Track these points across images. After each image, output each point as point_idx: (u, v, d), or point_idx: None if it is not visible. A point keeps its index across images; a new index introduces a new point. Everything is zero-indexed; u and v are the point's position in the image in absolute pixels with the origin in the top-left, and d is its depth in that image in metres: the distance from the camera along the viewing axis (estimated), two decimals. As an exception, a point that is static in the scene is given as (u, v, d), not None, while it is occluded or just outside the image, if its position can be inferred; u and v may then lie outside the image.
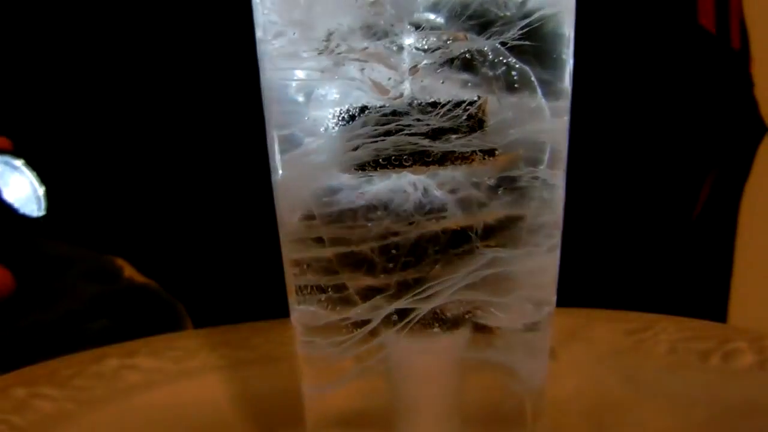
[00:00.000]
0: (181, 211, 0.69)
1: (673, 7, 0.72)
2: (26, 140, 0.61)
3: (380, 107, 0.32)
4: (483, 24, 0.33)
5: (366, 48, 0.33)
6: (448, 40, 0.33)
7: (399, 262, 0.34)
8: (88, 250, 0.60)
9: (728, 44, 0.75)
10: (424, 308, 0.34)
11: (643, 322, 0.49)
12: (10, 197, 0.54)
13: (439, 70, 0.33)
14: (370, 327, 0.34)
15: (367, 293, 0.34)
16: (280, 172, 0.36)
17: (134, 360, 0.48)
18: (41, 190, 0.55)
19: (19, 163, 0.55)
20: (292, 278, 0.36)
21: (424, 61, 0.33)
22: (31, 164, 0.56)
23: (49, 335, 0.55)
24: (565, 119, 0.35)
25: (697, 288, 0.76)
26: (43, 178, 0.56)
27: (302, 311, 0.36)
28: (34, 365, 0.47)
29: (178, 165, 0.69)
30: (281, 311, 0.37)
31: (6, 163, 0.55)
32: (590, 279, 0.63)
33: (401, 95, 0.32)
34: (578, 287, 0.47)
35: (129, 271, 0.59)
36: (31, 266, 0.56)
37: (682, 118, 0.71)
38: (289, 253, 0.36)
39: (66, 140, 0.70)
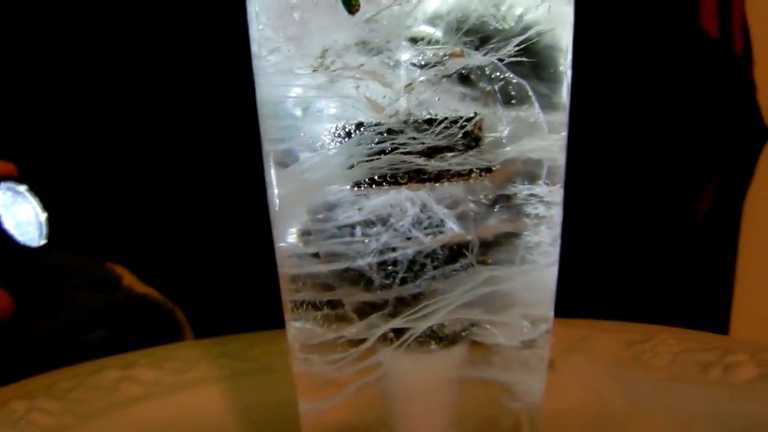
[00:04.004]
0: (184, 221, 0.69)
1: (676, 11, 0.72)
2: (25, 154, 0.61)
3: (375, 125, 0.32)
4: (480, 39, 0.33)
5: (362, 65, 0.32)
6: (445, 56, 0.32)
7: (396, 277, 0.33)
8: (87, 258, 0.60)
9: (731, 48, 0.74)
10: (421, 327, 0.33)
11: (644, 333, 0.49)
12: (10, 225, 0.54)
13: (435, 86, 0.32)
14: (366, 346, 0.34)
15: (364, 310, 0.34)
16: (276, 187, 0.35)
17: (133, 371, 0.48)
18: (43, 217, 0.55)
19: (23, 188, 0.55)
20: (288, 294, 0.36)
21: (421, 77, 0.32)
22: (31, 180, 0.56)
23: (49, 346, 0.54)
24: (563, 134, 0.35)
25: (699, 293, 0.76)
26: (43, 191, 0.56)
27: (298, 328, 0.35)
28: (33, 377, 0.47)
29: (179, 175, 0.69)
30: (281, 320, 0.37)
31: (10, 189, 0.55)
32: (592, 285, 0.63)
33: (397, 113, 0.32)
34: (580, 295, 0.47)
35: (128, 280, 0.59)
36: (30, 277, 0.56)
37: (685, 123, 0.71)
38: (285, 268, 0.36)
39: (66, 150, 0.70)
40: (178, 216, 0.69)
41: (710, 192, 0.73)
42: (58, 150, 0.70)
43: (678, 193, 0.72)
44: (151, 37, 0.68)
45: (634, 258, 0.71)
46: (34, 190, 0.55)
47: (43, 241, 0.55)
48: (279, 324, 0.38)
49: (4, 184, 0.54)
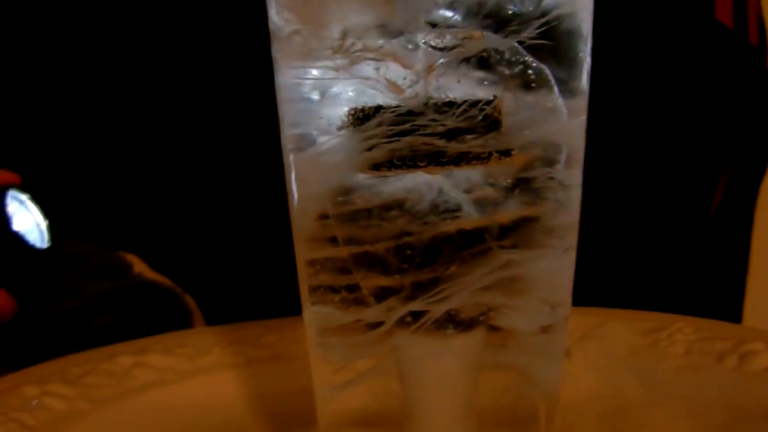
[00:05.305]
0: (196, 206, 0.69)
1: (691, 2, 0.71)
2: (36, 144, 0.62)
3: (395, 107, 0.32)
4: (500, 22, 0.32)
5: (381, 47, 0.32)
6: (465, 38, 0.32)
7: (414, 262, 0.33)
8: (97, 246, 0.60)
9: (746, 40, 0.74)
10: (439, 310, 0.33)
11: (659, 322, 0.48)
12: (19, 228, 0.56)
13: (455, 69, 0.32)
14: (384, 328, 0.34)
15: (381, 294, 0.34)
16: (294, 171, 0.35)
17: (146, 358, 0.48)
18: (44, 224, 0.57)
19: (24, 197, 0.57)
20: (305, 278, 0.36)
21: (440, 60, 0.32)
22: (38, 178, 0.57)
23: (55, 332, 0.54)
24: (582, 119, 0.35)
25: (712, 287, 0.75)
26: (52, 183, 0.57)
27: (315, 312, 0.35)
28: (45, 363, 0.47)
29: (192, 161, 0.69)
30: (295, 307, 0.37)
31: (13, 198, 0.56)
32: (606, 278, 0.63)
33: (417, 95, 0.32)
34: (594, 286, 0.46)
35: (139, 267, 0.59)
36: (38, 269, 0.56)
37: (698, 115, 0.71)
38: (302, 252, 0.36)
39: (78, 135, 0.70)
40: (190, 202, 0.69)
41: (724, 182, 0.73)
42: (70, 142, 0.70)
43: (692, 183, 0.72)
44: (166, 18, 0.68)
45: (648, 246, 0.71)
46: (42, 187, 0.57)
47: (46, 245, 0.57)
48: (293, 311, 0.38)
49: (11, 192, 0.56)
